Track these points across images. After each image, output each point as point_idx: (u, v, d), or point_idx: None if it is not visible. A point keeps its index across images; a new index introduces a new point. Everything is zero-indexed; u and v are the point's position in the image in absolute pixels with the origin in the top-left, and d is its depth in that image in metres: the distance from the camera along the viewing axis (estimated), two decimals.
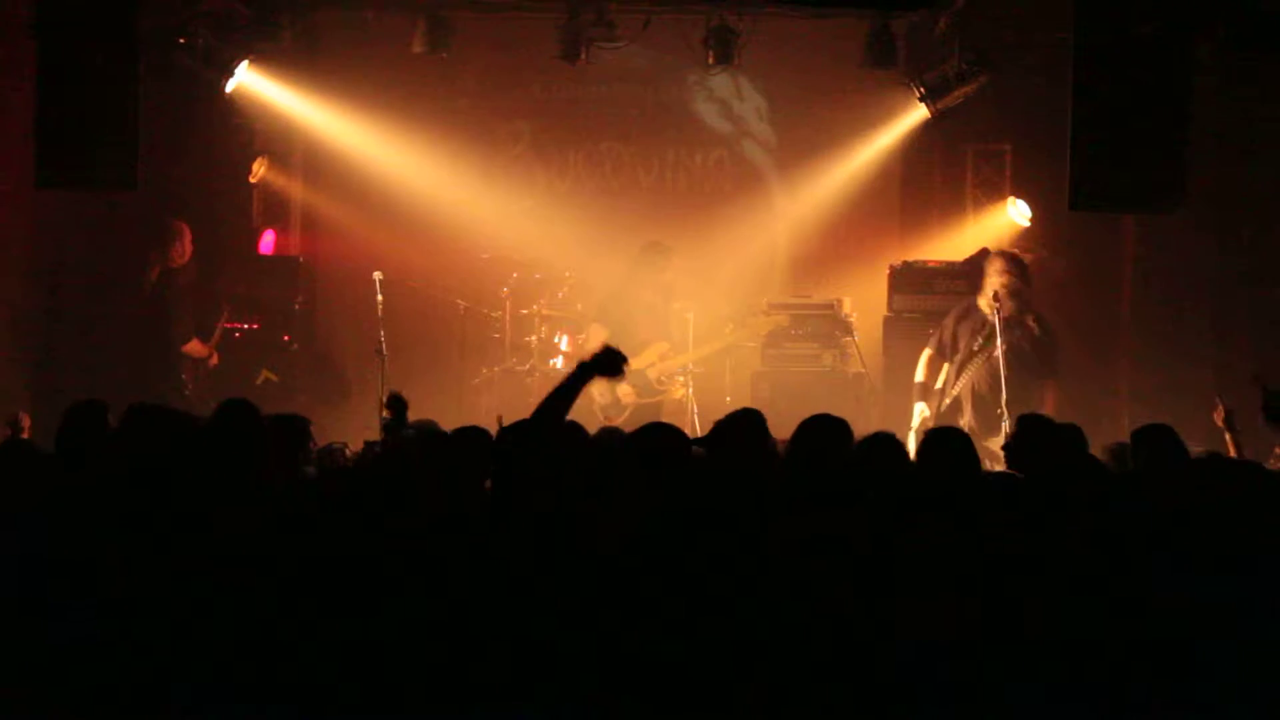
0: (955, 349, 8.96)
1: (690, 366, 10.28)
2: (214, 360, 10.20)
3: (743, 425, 5.32)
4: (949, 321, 9.11)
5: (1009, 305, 8.71)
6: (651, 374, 10.05)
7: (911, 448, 8.38)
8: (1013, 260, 8.94)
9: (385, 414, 6.91)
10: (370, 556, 4.12)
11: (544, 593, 4.01)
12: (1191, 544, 4.23)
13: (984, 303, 8.84)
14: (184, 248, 10.11)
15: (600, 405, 10.01)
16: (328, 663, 3.92)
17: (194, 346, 10.06)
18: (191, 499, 4.54)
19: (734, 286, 10.98)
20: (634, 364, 10.00)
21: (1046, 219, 10.60)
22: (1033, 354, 8.81)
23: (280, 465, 5.24)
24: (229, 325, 10.42)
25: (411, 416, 7.15)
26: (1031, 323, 8.81)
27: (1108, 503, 4.53)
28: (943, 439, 5.21)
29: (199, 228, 10.43)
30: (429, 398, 9.80)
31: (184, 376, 10.02)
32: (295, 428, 5.60)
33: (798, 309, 10.51)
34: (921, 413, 8.85)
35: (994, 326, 8.65)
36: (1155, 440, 5.80)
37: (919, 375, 9.05)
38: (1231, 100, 10.11)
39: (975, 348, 8.82)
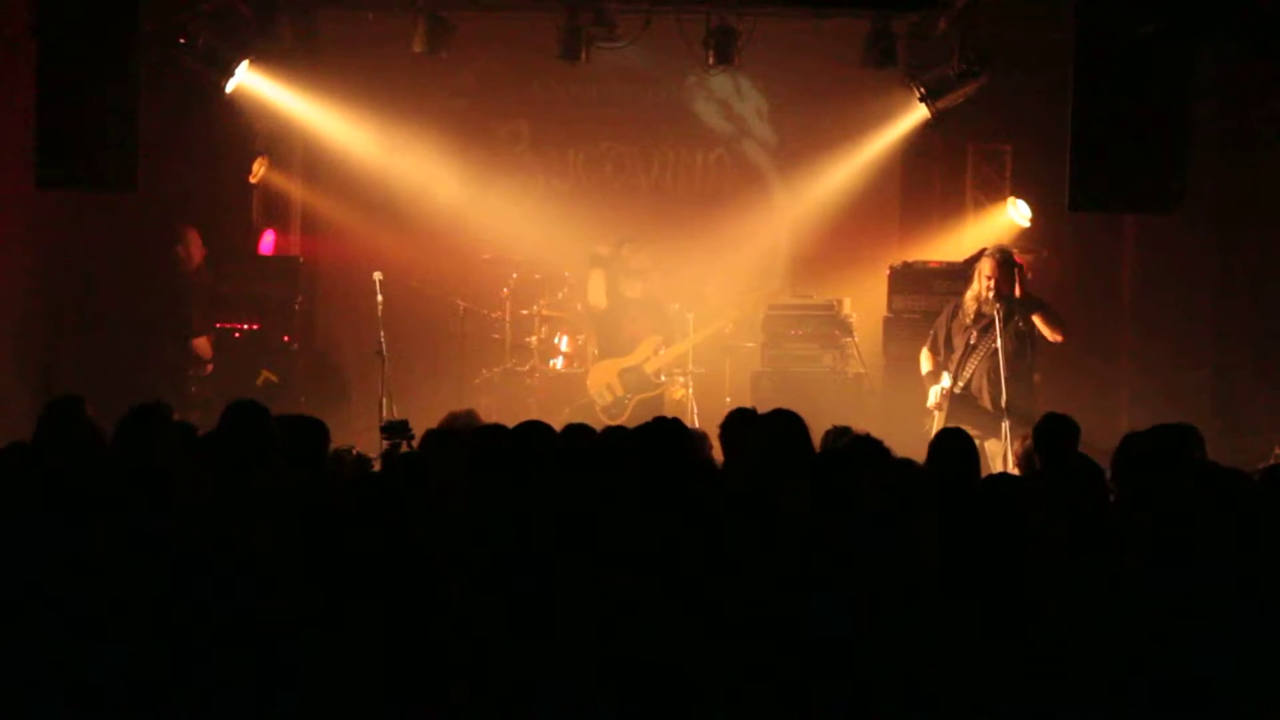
0: (950, 346, 8.96)
1: (690, 367, 10.31)
2: (209, 367, 10.19)
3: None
4: (941, 320, 9.12)
5: (995, 303, 8.66)
6: (649, 368, 10.19)
7: (935, 423, 8.57)
8: (1002, 259, 8.89)
9: (384, 443, 6.91)
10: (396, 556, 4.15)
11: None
12: (1190, 545, 4.24)
13: (970, 296, 8.84)
14: (188, 251, 10.16)
15: (601, 406, 10.08)
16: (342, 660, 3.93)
17: (202, 344, 10.08)
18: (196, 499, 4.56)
19: (733, 286, 10.97)
20: (629, 360, 10.15)
21: (1046, 219, 10.59)
22: (1027, 343, 8.78)
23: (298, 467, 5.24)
24: (227, 325, 10.38)
25: (411, 418, 7.16)
26: (1019, 324, 8.75)
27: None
28: None
29: (199, 228, 10.44)
30: (429, 398, 9.84)
31: (193, 372, 10.04)
32: (313, 430, 5.57)
33: (798, 309, 10.52)
34: (942, 386, 8.80)
35: (988, 323, 8.63)
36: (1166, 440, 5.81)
37: (925, 367, 9.08)
38: (1231, 100, 10.11)
39: (971, 341, 8.80)
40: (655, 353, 10.21)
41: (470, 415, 6.49)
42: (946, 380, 8.79)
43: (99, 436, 5.64)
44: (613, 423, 9.51)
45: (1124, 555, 4.29)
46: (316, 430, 5.54)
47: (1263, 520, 4.41)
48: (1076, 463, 5.50)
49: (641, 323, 10.30)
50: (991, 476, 5.27)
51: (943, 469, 5.33)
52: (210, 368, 10.23)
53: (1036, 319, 8.73)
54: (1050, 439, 5.96)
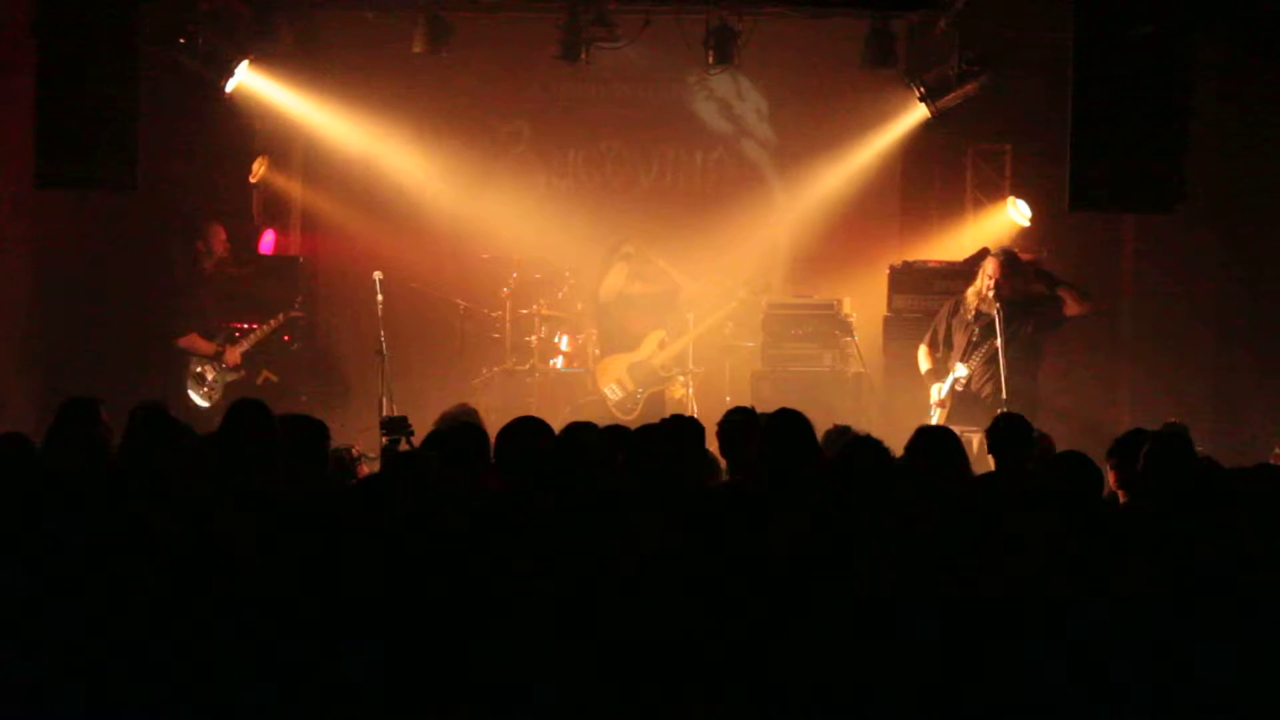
0: (949, 344, 8.96)
1: (691, 366, 10.34)
2: (232, 359, 10.06)
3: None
4: (941, 316, 9.14)
5: (995, 302, 8.67)
6: (655, 362, 10.29)
7: (937, 420, 8.59)
8: (1005, 259, 8.91)
9: (384, 439, 6.90)
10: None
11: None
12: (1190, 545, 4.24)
13: (971, 293, 8.85)
14: (210, 246, 10.13)
15: (614, 402, 10.14)
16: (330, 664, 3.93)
17: (191, 341, 9.99)
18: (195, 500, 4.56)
19: (733, 286, 10.96)
20: (637, 355, 10.23)
21: (1046, 219, 10.59)
22: (1028, 341, 8.80)
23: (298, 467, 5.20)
24: (228, 325, 10.31)
25: (411, 418, 7.16)
26: (1021, 320, 8.77)
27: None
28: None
29: (199, 227, 10.45)
30: (429, 398, 9.82)
31: (197, 370, 9.96)
32: (313, 430, 5.52)
33: (798, 309, 10.52)
34: (956, 375, 8.79)
35: (990, 321, 8.64)
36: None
37: (923, 365, 9.09)
38: (1231, 100, 10.11)
39: (973, 338, 8.80)
40: (660, 347, 10.30)
41: (464, 410, 6.50)
42: (962, 370, 8.77)
43: (110, 438, 5.65)
44: (626, 418, 9.64)
45: (1115, 554, 4.28)
46: (317, 430, 5.52)
47: (1261, 519, 4.41)
48: (1041, 460, 5.48)
49: (644, 318, 10.36)
50: (981, 476, 5.29)
51: (925, 467, 5.28)
52: (234, 359, 10.07)
53: (1062, 293, 8.77)
54: (1002, 440, 5.94)
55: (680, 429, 5.54)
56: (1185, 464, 5.31)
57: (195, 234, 10.22)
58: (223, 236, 10.27)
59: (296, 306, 10.53)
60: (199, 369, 10.00)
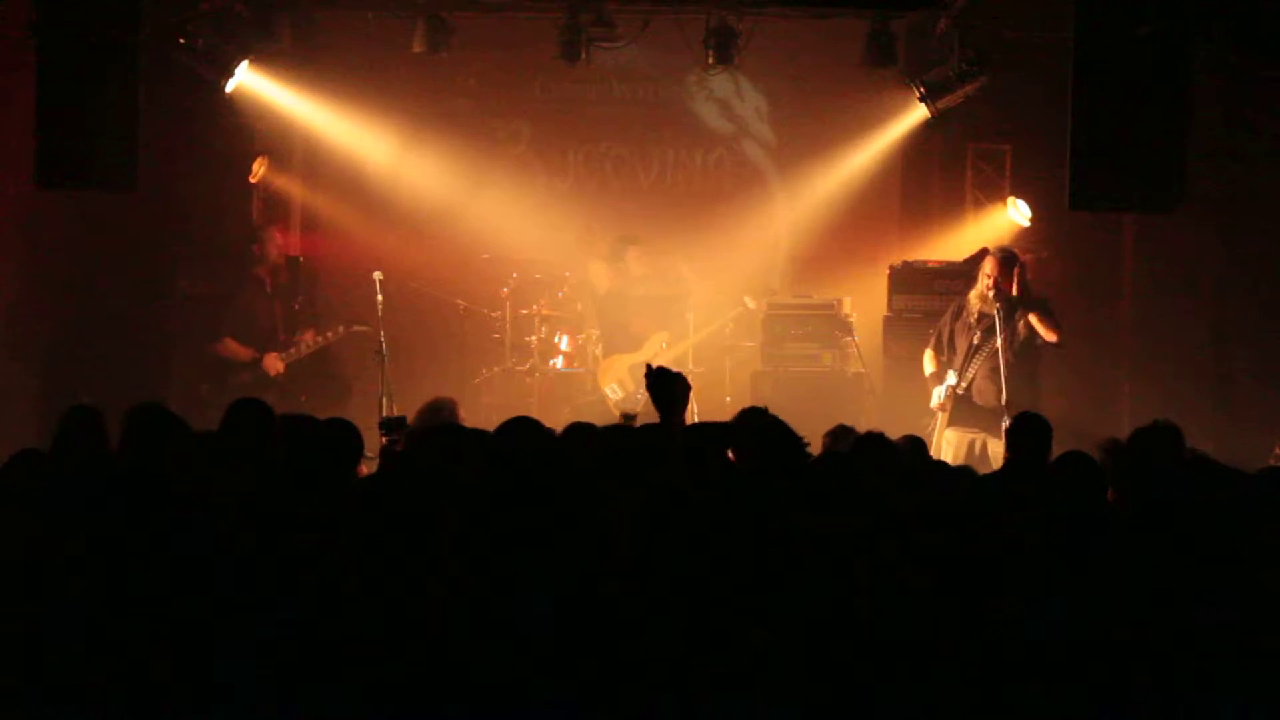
0: (953, 347, 8.95)
1: (691, 366, 10.34)
2: (277, 368, 9.97)
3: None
4: (945, 319, 9.14)
5: (996, 302, 8.66)
6: (657, 362, 10.24)
7: (939, 423, 8.58)
8: (1003, 257, 8.90)
9: (383, 439, 6.89)
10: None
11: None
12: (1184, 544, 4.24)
13: (974, 296, 8.85)
14: (264, 251, 10.12)
15: (615, 402, 10.17)
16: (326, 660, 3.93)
17: (226, 346, 9.92)
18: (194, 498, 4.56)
19: (734, 286, 10.98)
20: (639, 356, 10.24)
21: (1046, 219, 10.60)
22: (1029, 342, 8.78)
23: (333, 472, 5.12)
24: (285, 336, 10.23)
25: (410, 418, 7.15)
26: (1020, 323, 8.76)
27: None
28: None
29: (199, 228, 10.44)
30: (429, 398, 9.81)
31: (235, 378, 9.87)
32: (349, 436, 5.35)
33: (798, 309, 10.53)
34: (948, 385, 8.79)
35: (991, 322, 8.64)
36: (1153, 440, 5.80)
37: (928, 368, 9.09)
38: (1231, 100, 10.11)
39: (974, 341, 8.80)
40: (661, 348, 10.33)
41: (445, 405, 6.49)
42: (952, 378, 8.78)
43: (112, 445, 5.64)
44: (630, 418, 9.61)
45: (1117, 554, 4.28)
46: (353, 441, 5.33)
47: (1262, 521, 4.41)
48: (1051, 460, 5.48)
49: (647, 318, 10.39)
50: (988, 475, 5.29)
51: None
52: (276, 366, 9.95)
53: (1032, 318, 8.73)
54: (1022, 440, 5.94)
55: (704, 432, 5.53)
56: (1150, 464, 5.31)
57: (252, 237, 10.23)
58: (278, 241, 10.25)
59: (309, 305, 10.48)
60: (234, 378, 9.82)
